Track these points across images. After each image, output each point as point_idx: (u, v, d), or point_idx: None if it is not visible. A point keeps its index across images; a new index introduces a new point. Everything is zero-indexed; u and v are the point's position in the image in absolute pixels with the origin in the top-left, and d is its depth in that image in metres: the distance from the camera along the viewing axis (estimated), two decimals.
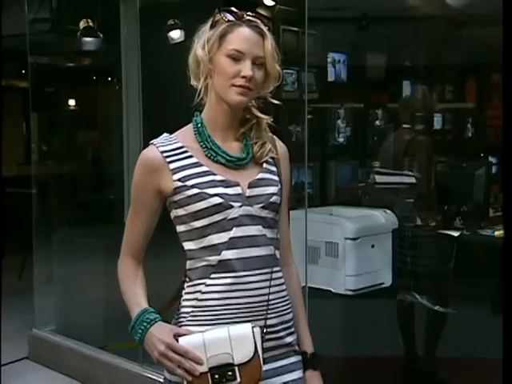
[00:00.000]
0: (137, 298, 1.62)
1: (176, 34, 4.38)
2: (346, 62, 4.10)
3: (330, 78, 4.09)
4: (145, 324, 1.55)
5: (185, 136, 1.65)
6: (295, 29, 3.81)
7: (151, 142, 1.64)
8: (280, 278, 1.64)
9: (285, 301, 1.65)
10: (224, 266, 1.57)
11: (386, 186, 3.65)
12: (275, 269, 1.62)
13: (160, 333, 1.53)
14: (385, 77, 4.68)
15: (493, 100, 5.06)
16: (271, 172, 1.66)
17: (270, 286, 1.59)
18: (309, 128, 3.40)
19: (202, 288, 1.58)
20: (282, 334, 1.62)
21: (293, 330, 1.67)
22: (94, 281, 4.31)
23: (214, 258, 1.58)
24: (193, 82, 1.64)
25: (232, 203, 1.57)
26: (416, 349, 3.56)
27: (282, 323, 1.62)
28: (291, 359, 1.64)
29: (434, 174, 3.67)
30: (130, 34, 4.33)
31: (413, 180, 3.61)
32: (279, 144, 1.73)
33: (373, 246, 3.46)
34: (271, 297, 1.59)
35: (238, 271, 1.57)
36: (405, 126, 3.78)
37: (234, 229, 1.57)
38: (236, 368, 1.51)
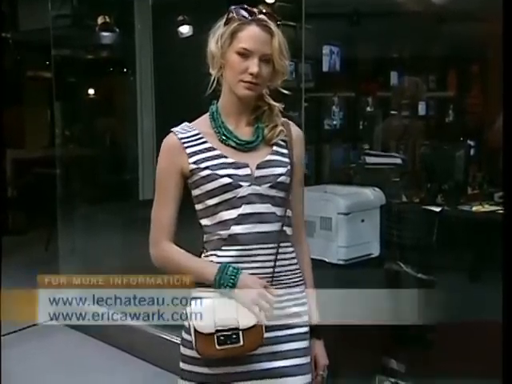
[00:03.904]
0: (201, 261, 1.61)
1: (185, 29, 4.36)
2: (339, 53, 4.07)
3: (325, 68, 4.06)
4: (233, 271, 1.54)
5: (202, 124, 1.66)
6: (293, 24, 3.78)
7: (171, 130, 1.65)
8: (289, 253, 1.63)
9: (293, 274, 1.64)
10: (233, 240, 1.58)
11: (374, 167, 3.65)
12: (283, 244, 1.61)
13: (252, 278, 1.54)
14: (374, 67, 4.66)
15: (472, 89, 5.04)
16: (281, 154, 1.64)
17: (275, 260, 1.59)
18: (305, 114, 3.39)
19: (214, 258, 1.60)
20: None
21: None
22: (112, 252, 4.33)
23: (224, 233, 1.59)
24: (211, 71, 1.64)
25: (241, 183, 1.57)
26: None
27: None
28: (295, 330, 1.64)
29: (419, 155, 3.67)
30: (143, 29, 4.32)
31: (399, 161, 3.61)
32: (294, 128, 1.71)
33: (363, 221, 3.46)
34: (277, 269, 1.59)
35: (246, 244, 1.57)
36: (403, 112, 3.78)
37: (243, 206, 1.58)
38: (240, 332, 1.52)
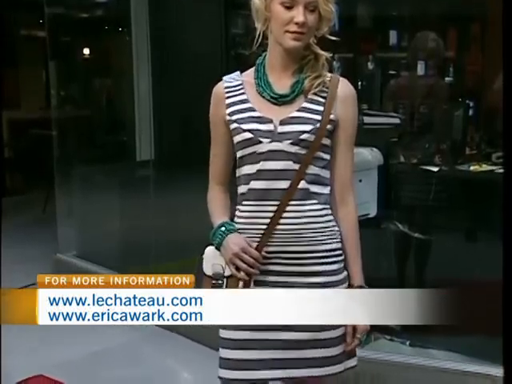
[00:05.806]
0: (219, 213, 1.67)
1: None
2: (338, 12, 4.00)
3: None
4: (224, 230, 1.60)
5: (249, 73, 1.67)
6: None
7: (223, 77, 1.67)
8: (314, 210, 1.60)
9: (318, 232, 1.61)
10: (251, 195, 1.60)
11: (373, 127, 3.62)
12: (309, 202, 1.59)
13: (236, 239, 1.59)
14: (373, 26, 4.59)
15: (471, 49, 4.97)
16: (311, 111, 1.59)
17: (295, 217, 1.58)
18: None
19: (237, 213, 1.65)
20: (307, 261, 1.60)
21: (328, 260, 1.62)
22: (109, 213, 4.33)
23: (244, 187, 1.62)
24: (256, 25, 1.62)
25: (261, 139, 1.57)
26: (401, 272, 3.57)
27: (310, 252, 1.60)
28: (317, 290, 1.59)
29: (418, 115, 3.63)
30: None
31: (397, 121, 3.58)
32: (342, 84, 1.64)
33: (360, 181, 3.43)
34: (297, 227, 1.58)
35: (263, 200, 1.59)
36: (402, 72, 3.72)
37: (262, 162, 1.58)
38: (224, 279, 1.60)
